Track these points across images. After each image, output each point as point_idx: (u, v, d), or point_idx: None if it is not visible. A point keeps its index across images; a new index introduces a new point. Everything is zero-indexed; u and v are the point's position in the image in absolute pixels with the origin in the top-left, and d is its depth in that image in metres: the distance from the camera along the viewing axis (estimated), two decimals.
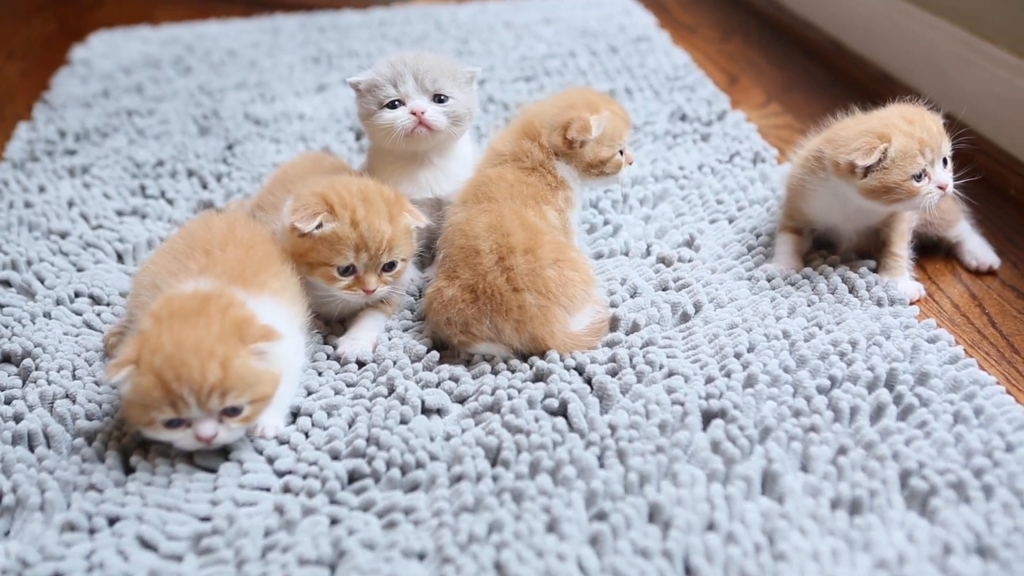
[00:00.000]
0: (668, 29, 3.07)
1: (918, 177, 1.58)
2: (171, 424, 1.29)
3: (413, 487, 1.32)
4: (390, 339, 1.62)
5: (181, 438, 1.31)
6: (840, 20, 2.84)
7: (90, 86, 2.78)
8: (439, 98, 1.71)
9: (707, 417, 1.41)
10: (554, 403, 1.43)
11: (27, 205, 2.10)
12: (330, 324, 1.68)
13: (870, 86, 2.59)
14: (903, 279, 1.68)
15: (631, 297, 1.69)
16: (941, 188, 1.59)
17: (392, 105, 1.70)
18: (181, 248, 1.53)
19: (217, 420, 1.30)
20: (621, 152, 1.71)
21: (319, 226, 1.52)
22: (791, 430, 1.35)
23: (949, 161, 1.62)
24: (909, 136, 1.57)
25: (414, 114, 1.68)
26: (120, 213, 2.07)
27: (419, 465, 1.34)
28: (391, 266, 1.58)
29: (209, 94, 2.69)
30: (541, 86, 2.62)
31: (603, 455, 1.33)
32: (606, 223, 1.93)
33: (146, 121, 2.52)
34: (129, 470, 1.37)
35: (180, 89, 2.73)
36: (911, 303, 1.65)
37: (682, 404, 1.41)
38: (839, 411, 1.39)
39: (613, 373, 1.50)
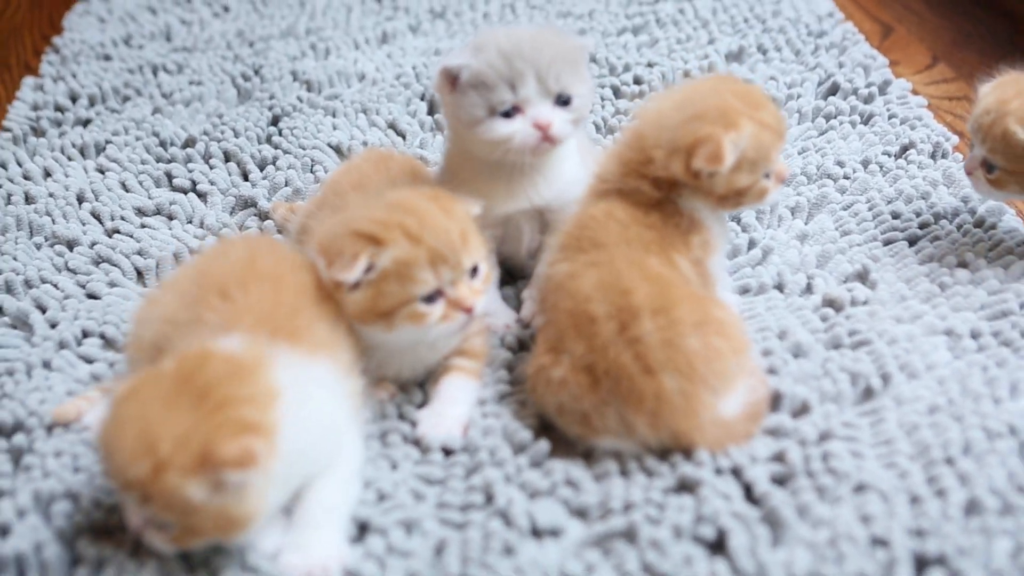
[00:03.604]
0: None
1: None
2: None
3: None
4: (484, 417, 1.38)
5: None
6: None
7: (109, 30, 2.59)
8: (562, 99, 1.44)
9: (919, 563, 1.14)
10: (709, 532, 1.18)
11: (28, 200, 1.90)
12: (405, 389, 1.44)
13: None
14: None
15: (794, 359, 1.43)
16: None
17: (507, 113, 1.42)
18: (190, 292, 1.30)
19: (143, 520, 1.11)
20: (767, 175, 1.40)
21: (369, 268, 1.27)
22: None
23: None
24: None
25: (538, 127, 1.41)
26: (141, 212, 1.86)
27: None
28: (475, 271, 1.34)
29: (250, 44, 2.49)
30: (654, 40, 2.38)
31: None
32: (751, 245, 1.68)
33: (175, 80, 2.33)
34: None
35: (215, 36, 2.54)
36: None
37: (885, 544, 1.15)
38: None
39: (782, 481, 1.25)
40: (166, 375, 1.12)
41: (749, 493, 1.24)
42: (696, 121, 1.36)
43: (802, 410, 1.35)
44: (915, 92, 2.11)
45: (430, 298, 1.30)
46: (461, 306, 1.31)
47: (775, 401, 1.37)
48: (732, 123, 1.35)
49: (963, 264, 1.60)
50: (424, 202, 1.33)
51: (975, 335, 1.45)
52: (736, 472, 1.27)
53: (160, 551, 1.14)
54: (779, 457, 1.27)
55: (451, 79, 1.45)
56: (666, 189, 1.39)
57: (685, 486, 1.25)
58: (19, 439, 1.36)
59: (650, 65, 2.25)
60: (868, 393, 1.37)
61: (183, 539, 1.11)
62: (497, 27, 1.58)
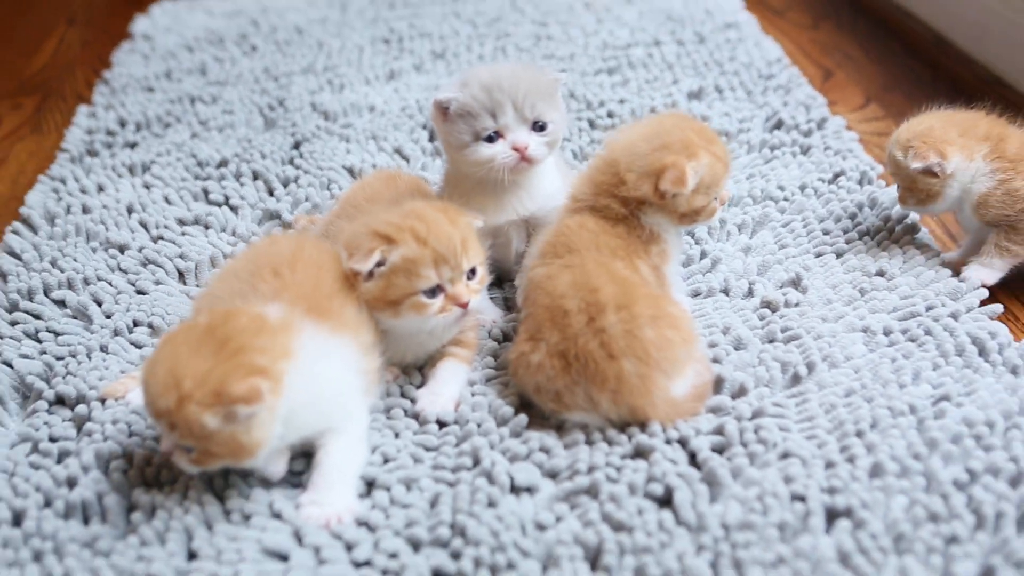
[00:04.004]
0: (754, 11, 2.83)
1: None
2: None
3: None
4: (473, 395, 1.46)
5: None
6: (946, 14, 2.59)
7: (152, 66, 2.64)
8: (538, 125, 1.52)
9: (830, 515, 1.23)
10: (658, 489, 1.26)
11: (85, 210, 1.96)
12: (407, 372, 1.51)
13: (979, 88, 2.36)
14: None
15: (735, 350, 1.51)
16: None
17: (490, 138, 1.50)
18: (247, 269, 1.38)
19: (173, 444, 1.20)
20: (715, 198, 1.49)
21: (380, 263, 1.36)
22: (929, 540, 1.18)
23: None
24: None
25: (516, 149, 1.49)
26: (182, 222, 1.92)
27: (510, 565, 1.18)
28: (473, 273, 1.43)
29: (275, 79, 2.53)
30: (625, 80, 2.43)
31: (717, 562, 1.17)
32: (703, 255, 1.74)
33: (209, 110, 2.37)
34: (191, 554, 1.21)
35: (245, 72, 2.58)
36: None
37: (803, 499, 1.24)
38: (982, 516, 1.20)
39: (720, 449, 1.33)
40: (199, 326, 1.21)
41: (693, 459, 1.32)
42: (663, 151, 1.45)
43: (740, 392, 1.43)
44: (849, 128, 2.17)
45: (431, 292, 1.39)
46: (458, 301, 1.40)
47: (718, 384, 1.44)
48: (693, 153, 1.44)
49: (880, 273, 1.67)
50: (433, 212, 1.41)
51: (887, 332, 1.53)
52: (683, 442, 1.34)
53: (186, 471, 1.23)
54: (719, 430, 1.35)
55: (443, 110, 1.54)
56: (632, 207, 1.47)
57: (640, 453, 1.33)
58: (81, 409, 1.43)
59: (622, 102, 2.31)
60: (796, 379, 1.45)
61: (202, 460, 1.20)
62: (482, 65, 1.64)
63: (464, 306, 1.40)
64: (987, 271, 1.62)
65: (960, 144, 1.61)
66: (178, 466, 1.22)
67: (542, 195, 1.62)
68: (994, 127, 1.64)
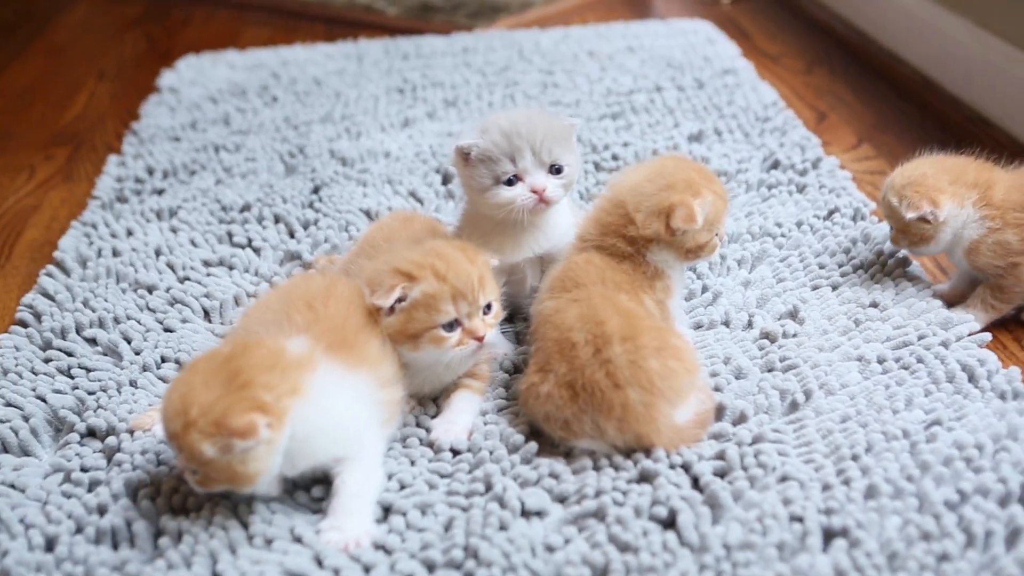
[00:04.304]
0: (751, 58, 2.87)
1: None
2: None
3: None
4: (485, 424, 1.47)
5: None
6: (933, 57, 2.63)
7: (178, 116, 2.68)
8: (555, 168, 1.55)
9: (827, 535, 1.24)
10: (663, 511, 1.28)
11: (115, 253, 1.99)
12: (422, 403, 1.53)
13: (966, 129, 2.39)
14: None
15: (736, 379, 1.53)
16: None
17: (510, 181, 1.53)
18: (282, 301, 1.42)
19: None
20: (716, 234, 1.52)
21: (401, 299, 1.39)
22: (921, 558, 1.19)
23: None
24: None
25: (534, 192, 1.52)
26: (207, 264, 1.94)
27: None
28: (488, 308, 1.45)
29: (295, 127, 2.56)
30: (628, 124, 2.46)
31: None
32: (704, 289, 1.76)
33: (233, 158, 2.40)
34: None
35: (266, 121, 2.61)
36: None
37: (801, 520, 1.25)
38: (972, 535, 1.21)
39: (722, 474, 1.34)
40: (220, 355, 1.24)
41: (696, 483, 1.33)
42: (668, 190, 1.48)
43: (740, 419, 1.44)
44: (842, 167, 2.19)
45: (450, 326, 1.41)
46: (474, 335, 1.43)
47: (719, 412, 1.46)
48: (697, 192, 1.47)
49: (874, 305, 1.69)
50: (452, 251, 1.44)
51: (881, 360, 1.55)
52: (686, 467, 1.36)
53: (195, 490, 1.26)
54: (720, 455, 1.37)
55: (464, 155, 1.57)
56: (638, 245, 1.49)
57: (645, 477, 1.34)
58: (111, 441, 1.46)
59: (625, 145, 2.34)
60: (794, 406, 1.47)
61: (204, 483, 1.22)
62: (500, 112, 1.67)
63: (480, 339, 1.42)
64: (972, 320, 1.63)
65: (951, 192, 1.62)
66: (191, 485, 1.25)
67: (556, 233, 1.65)
68: (982, 173, 1.64)
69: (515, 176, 1.54)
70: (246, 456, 1.19)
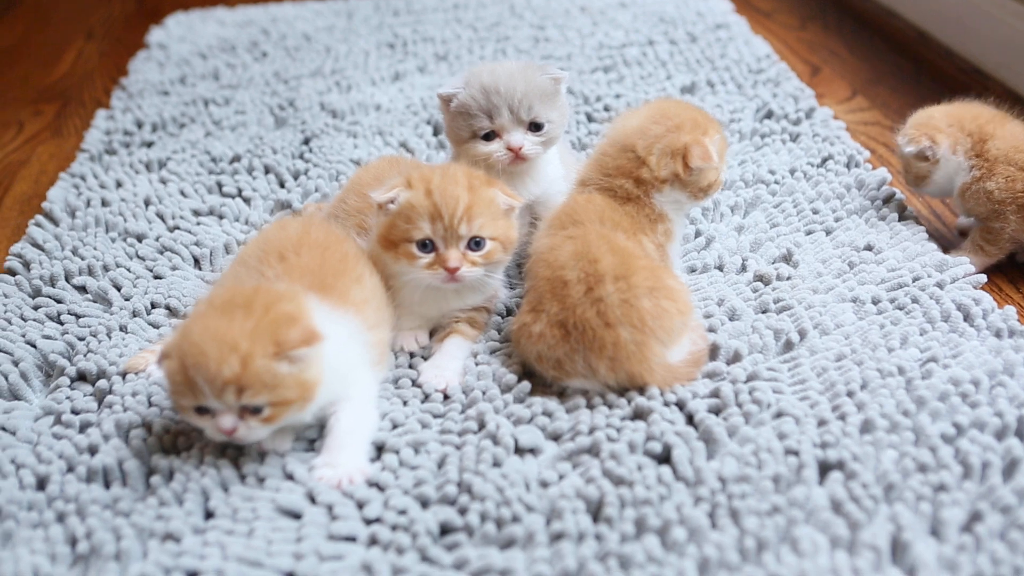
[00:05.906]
0: (743, 14, 2.84)
1: None
2: (199, 411, 1.19)
3: (509, 543, 1.16)
4: (477, 365, 1.46)
5: (208, 427, 1.21)
6: (926, 10, 2.60)
7: (167, 72, 2.65)
8: (535, 125, 1.53)
9: (823, 468, 1.23)
10: (657, 447, 1.27)
11: (104, 203, 1.96)
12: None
13: (960, 79, 2.37)
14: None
15: (730, 320, 1.51)
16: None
17: (487, 136, 1.52)
18: (255, 256, 1.40)
19: (238, 415, 1.19)
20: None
21: (392, 202, 1.39)
22: (918, 488, 1.18)
23: None
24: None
25: (510, 149, 1.51)
26: (197, 213, 1.92)
27: (515, 519, 1.18)
28: (478, 245, 1.40)
29: (285, 82, 2.54)
30: (620, 77, 2.44)
31: (714, 513, 1.17)
32: (698, 234, 1.75)
33: (222, 111, 2.37)
34: (208, 514, 1.22)
35: (256, 76, 2.58)
36: None
37: (796, 453, 1.24)
38: (969, 466, 1.20)
39: (717, 411, 1.33)
40: (213, 304, 1.22)
41: (691, 420, 1.32)
42: (677, 131, 1.46)
43: (735, 358, 1.43)
44: (836, 118, 2.17)
45: (424, 246, 1.39)
46: (444, 264, 1.39)
47: (713, 352, 1.44)
48: (705, 130, 1.47)
49: (869, 248, 1.67)
50: (460, 174, 1.42)
51: (875, 301, 1.53)
52: (680, 404, 1.34)
53: (254, 439, 1.23)
54: (715, 393, 1.35)
55: (446, 102, 1.56)
56: (646, 187, 1.47)
57: (639, 414, 1.33)
58: (102, 384, 1.44)
59: (617, 96, 2.32)
60: (788, 345, 1.45)
61: (275, 415, 1.20)
62: (487, 63, 1.65)
63: (451, 271, 1.39)
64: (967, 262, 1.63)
65: (948, 134, 1.64)
66: (245, 441, 1.22)
67: (547, 180, 1.64)
68: (988, 124, 1.64)
69: (493, 132, 1.54)
70: (310, 362, 1.20)
